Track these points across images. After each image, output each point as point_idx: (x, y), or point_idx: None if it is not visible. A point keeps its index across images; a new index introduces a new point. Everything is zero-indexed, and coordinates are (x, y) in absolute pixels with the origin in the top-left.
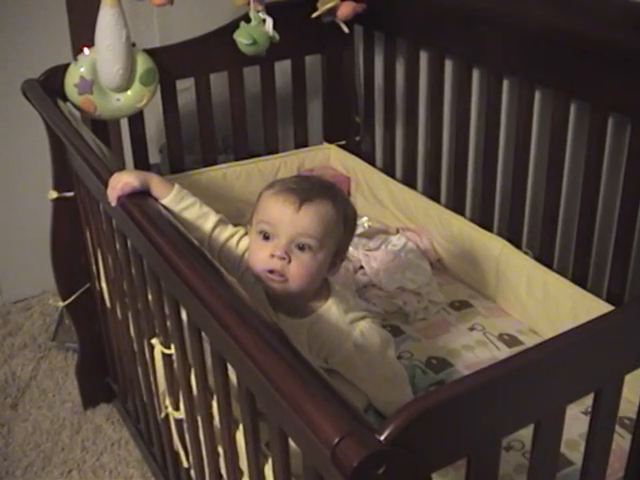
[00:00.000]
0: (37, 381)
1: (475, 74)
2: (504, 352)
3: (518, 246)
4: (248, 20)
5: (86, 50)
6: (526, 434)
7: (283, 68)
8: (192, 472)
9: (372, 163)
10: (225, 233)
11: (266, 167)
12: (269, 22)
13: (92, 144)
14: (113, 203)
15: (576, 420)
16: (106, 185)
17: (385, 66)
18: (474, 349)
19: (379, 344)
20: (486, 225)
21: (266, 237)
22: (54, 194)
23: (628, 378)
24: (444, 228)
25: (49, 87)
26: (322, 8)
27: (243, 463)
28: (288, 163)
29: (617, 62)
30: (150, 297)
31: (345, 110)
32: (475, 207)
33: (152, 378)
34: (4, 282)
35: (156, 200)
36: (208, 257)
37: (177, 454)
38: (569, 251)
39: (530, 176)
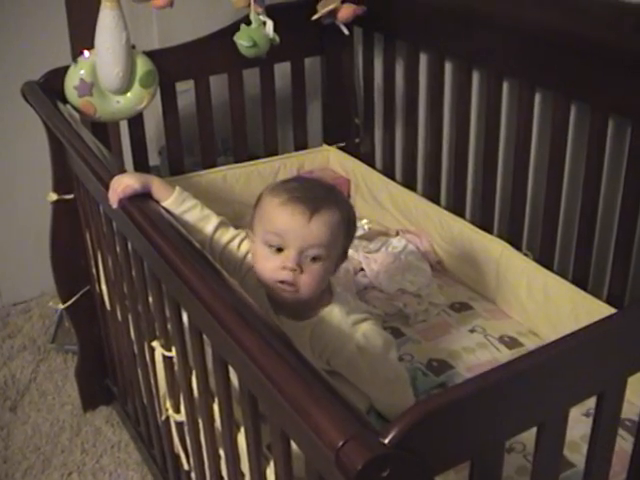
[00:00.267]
0: (36, 383)
1: (475, 76)
2: (505, 354)
3: (518, 248)
4: (248, 22)
5: (86, 52)
6: (527, 436)
7: (283, 70)
8: (193, 475)
9: (372, 165)
10: (226, 236)
11: (266, 169)
12: (269, 24)
13: (92, 146)
14: (114, 205)
15: (577, 422)
16: (107, 187)
17: (385, 68)
18: (475, 351)
19: (381, 346)
20: (486, 227)
21: (275, 248)
22: (54, 196)
23: (630, 380)
24: (444, 230)
25: (49, 89)
26: (322, 10)
27: (244, 465)
28: (288, 165)
29: (617, 63)
30: (151, 299)
31: (345, 112)
32: (475, 209)
33: (152, 380)
34: (3, 284)
35: (157, 203)
36: (210, 259)
37: (177, 457)
38: (569, 253)
39: (530, 178)
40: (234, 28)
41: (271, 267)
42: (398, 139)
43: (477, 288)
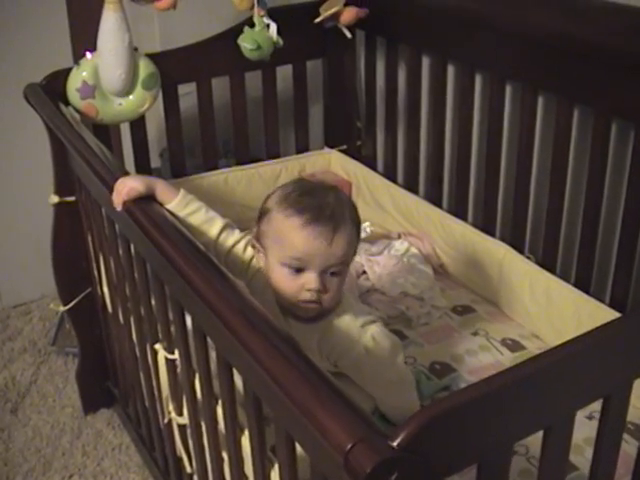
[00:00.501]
0: (37, 386)
1: (477, 79)
2: (507, 357)
3: (520, 251)
4: (251, 25)
5: (88, 54)
6: (531, 439)
7: (284, 73)
8: (195, 477)
9: (373, 168)
10: (231, 238)
11: (267, 172)
12: (273, 27)
13: (95, 148)
14: (118, 208)
15: (580, 425)
16: (111, 190)
17: (387, 71)
18: (477, 354)
19: (389, 348)
20: (488, 230)
21: (295, 269)
22: (55, 199)
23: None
24: (446, 233)
25: (51, 91)
26: (325, 13)
27: (248, 468)
28: (289, 168)
29: (620, 67)
30: (154, 302)
31: (346, 115)
32: (477, 212)
33: (155, 383)
34: (3, 286)
35: (161, 205)
36: (215, 262)
37: (180, 459)
38: (572, 256)
39: (533, 181)
40: (236, 31)
41: (293, 288)
42: (400, 142)
43: (479, 291)
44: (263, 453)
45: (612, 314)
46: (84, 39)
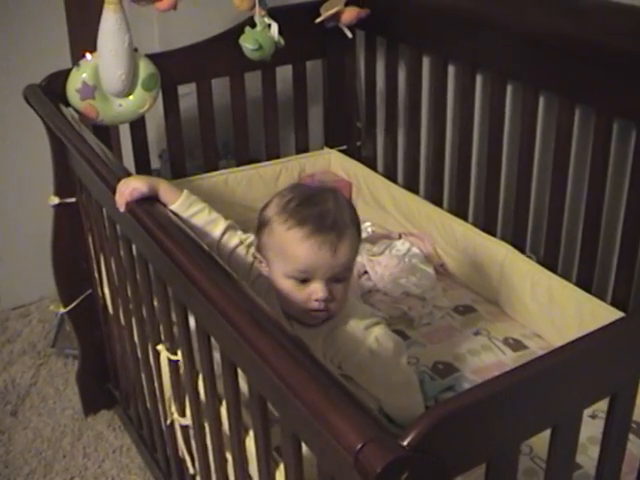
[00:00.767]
0: (37, 388)
1: (478, 79)
2: (510, 356)
3: (522, 251)
4: (252, 25)
5: (88, 55)
6: (534, 439)
7: (284, 73)
8: (198, 478)
9: (373, 168)
10: (234, 239)
11: (267, 172)
12: (274, 27)
13: (97, 149)
14: (122, 209)
15: (584, 424)
16: (113, 191)
17: (387, 71)
18: (480, 354)
19: (393, 350)
20: (489, 230)
21: (300, 280)
22: (56, 200)
23: None
24: (447, 233)
25: (51, 92)
26: (326, 13)
27: (253, 469)
28: (289, 168)
29: (621, 67)
30: (156, 303)
31: (346, 115)
32: (478, 212)
33: (157, 384)
34: (2, 288)
35: (164, 206)
36: (221, 263)
37: (182, 461)
38: (573, 255)
39: (534, 180)
40: (236, 31)
41: (301, 298)
42: (400, 142)
43: (480, 291)
44: (268, 454)
45: (614, 313)
46: (83, 40)
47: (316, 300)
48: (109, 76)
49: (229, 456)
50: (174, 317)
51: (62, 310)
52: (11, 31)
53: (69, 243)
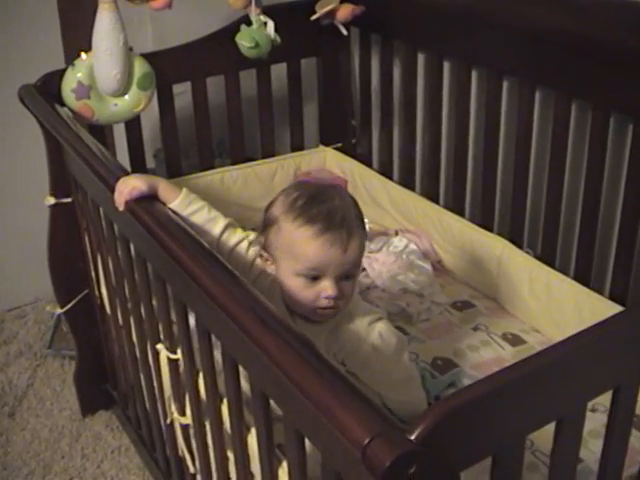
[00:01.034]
0: (34, 389)
1: (474, 75)
2: (509, 351)
3: (519, 246)
4: (247, 23)
5: (83, 55)
6: (536, 433)
7: (279, 71)
8: (199, 477)
9: (369, 165)
10: (234, 237)
11: (263, 171)
12: (270, 25)
13: (94, 148)
14: (121, 208)
15: None
16: (112, 190)
17: (382, 68)
18: (479, 349)
19: (395, 345)
20: (486, 226)
21: (310, 277)
22: (51, 200)
23: None
24: (444, 229)
25: (46, 92)
26: (321, 11)
27: (255, 466)
28: (285, 166)
29: (618, 61)
30: (155, 302)
31: (341, 113)
32: (475, 208)
33: (156, 384)
34: None
35: (163, 205)
36: (222, 260)
37: (182, 460)
38: (571, 250)
39: (531, 175)
40: (231, 29)
41: (310, 297)
42: (396, 139)
43: (478, 286)
44: (271, 451)
45: (612, 307)
46: (76, 40)
47: (326, 298)
48: (104, 75)
49: (230, 454)
50: (173, 316)
51: (59, 311)
52: (7, 31)
53: (65, 243)
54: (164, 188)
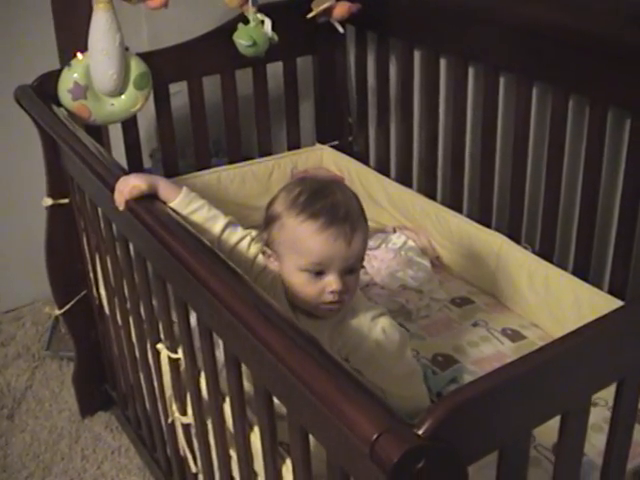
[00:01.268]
0: (33, 391)
1: (471, 71)
2: (508, 347)
3: (517, 241)
4: (244, 22)
5: (79, 55)
6: (537, 428)
7: (275, 70)
8: (200, 477)
9: (366, 163)
10: (235, 235)
11: (260, 169)
12: (268, 23)
13: (93, 148)
14: (121, 207)
15: None
16: (111, 189)
17: (378, 65)
18: (479, 345)
19: (398, 341)
20: (484, 222)
21: (315, 272)
22: (49, 201)
23: None
24: (442, 225)
25: (42, 93)
26: (317, 9)
27: (258, 465)
28: (281, 165)
29: (615, 56)
30: (155, 302)
31: (338, 111)
32: (473, 204)
33: (157, 384)
34: None
35: (164, 204)
36: (224, 258)
37: (183, 459)
38: (569, 245)
39: (529, 171)
40: (227, 28)
41: (315, 292)
42: (392, 136)
43: (477, 282)
44: (274, 449)
45: (612, 301)
46: (70, 40)
47: (331, 292)
48: (101, 75)
49: (233, 453)
50: (173, 316)
51: (57, 312)
52: (2, 32)
53: (63, 244)
54: (164, 187)
